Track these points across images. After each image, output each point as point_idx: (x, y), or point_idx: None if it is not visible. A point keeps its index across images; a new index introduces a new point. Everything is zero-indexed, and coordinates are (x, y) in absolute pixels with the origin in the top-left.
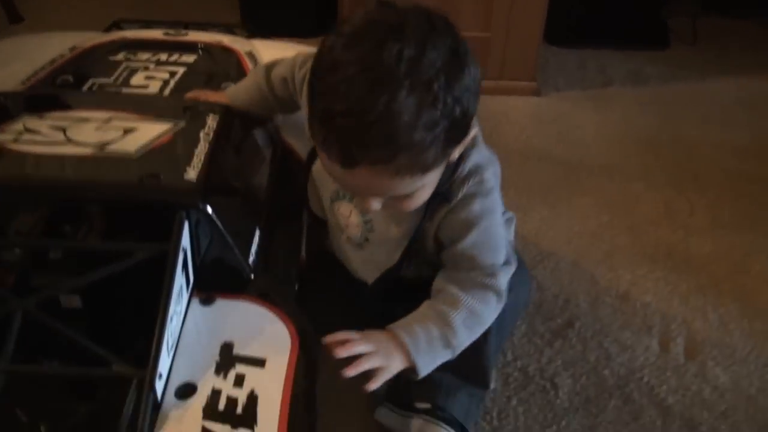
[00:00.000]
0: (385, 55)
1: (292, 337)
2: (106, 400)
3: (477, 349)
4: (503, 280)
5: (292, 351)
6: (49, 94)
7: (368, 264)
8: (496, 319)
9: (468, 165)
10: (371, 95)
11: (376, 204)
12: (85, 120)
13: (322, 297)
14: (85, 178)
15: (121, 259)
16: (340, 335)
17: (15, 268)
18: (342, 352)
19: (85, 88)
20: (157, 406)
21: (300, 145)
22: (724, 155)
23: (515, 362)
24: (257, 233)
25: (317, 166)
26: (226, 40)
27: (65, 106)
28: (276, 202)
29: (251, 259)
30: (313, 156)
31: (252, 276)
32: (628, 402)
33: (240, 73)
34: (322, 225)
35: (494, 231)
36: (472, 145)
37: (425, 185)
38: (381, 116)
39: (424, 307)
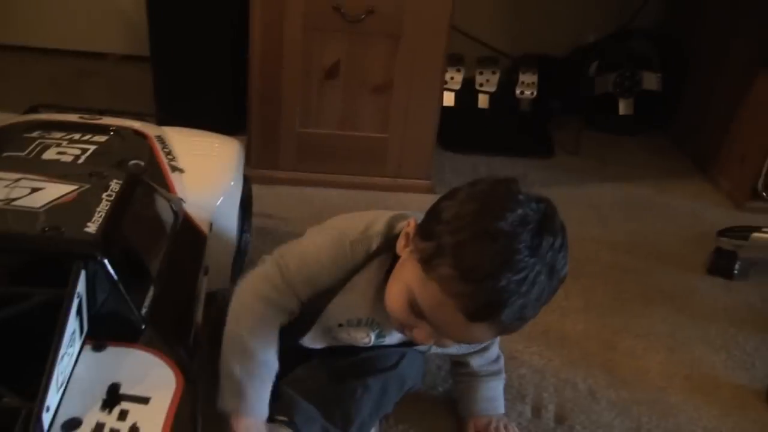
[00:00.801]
0: (542, 243)
1: (177, 379)
2: None
3: (349, 395)
4: None
5: (176, 391)
6: None
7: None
8: (381, 386)
9: None
10: (521, 274)
11: (431, 342)
12: None
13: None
14: None
15: (20, 302)
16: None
17: None
18: None
19: None
20: None
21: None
22: (600, 249)
23: (397, 426)
24: (151, 289)
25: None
26: (138, 124)
27: None
28: (174, 267)
29: (144, 310)
30: (321, 305)
31: (143, 327)
32: None
33: (149, 154)
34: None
35: None
36: None
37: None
38: (523, 293)
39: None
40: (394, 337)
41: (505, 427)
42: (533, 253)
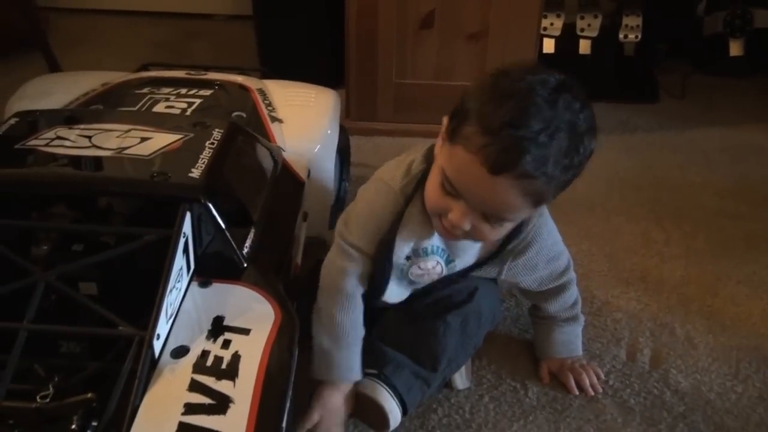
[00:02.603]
0: (559, 99)
1: (275, 313)
2: (114, 360)
3: (431, 334)
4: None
5: (274, 323)
6: (80, 112)
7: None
8: (461, 321)
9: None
10: (540, 125)
11: (468, 223)
12: (109, 131)
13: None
14: (104, 174)
15: (133, 242)
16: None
17: (43, 254)
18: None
19: None
20: (154, 362)
21: (300, 165)
22: (703, 194)
23: (489, 366)
24: (252, 230)
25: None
26: (241, 78)
27: (93, 121)
28: (273, 211)
29: (245, 251)
30: (389, 249)
31: (245, 265)
32: (592, 401)
33: (251, 106)
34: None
35: (556, 243)
36: None
37: (514, 222)
38: (544, 143)
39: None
40: (464, 260)
41: (580, 366)
42: (551, 106)
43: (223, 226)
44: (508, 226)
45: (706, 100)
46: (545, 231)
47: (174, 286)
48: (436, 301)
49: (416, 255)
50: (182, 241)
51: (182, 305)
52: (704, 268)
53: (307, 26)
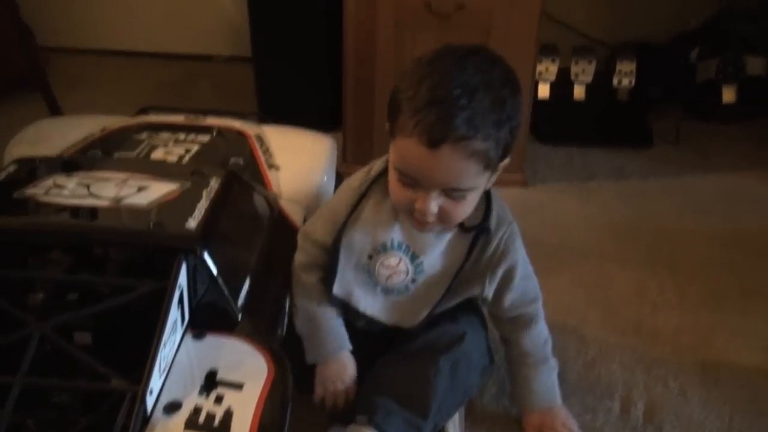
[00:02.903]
0: (467, 64)
1: (269, 367)
2: (106, 415)
3: (421, 377)
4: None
5: (267, 378)
6: (78, 159)
7: (412, 306)
8: (451, 365)
9: (496, 206)
10: (457, 90)
11: (434, 205)
12: (107, 179)
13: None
14: (101, 224)
15: (127, 293)
16: None
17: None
18: None
19: None
20: (146, 418)
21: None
22: (698, 242)
23: (483, 416)
24: (247, 281)
25: (347, 239)
26: (238, 124)
27: (91, 169)
28: (268, 259)
29: (240, 302)
30: (340, 237)
31: (240, 317)
32: None
33: (248, 153)
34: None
35: (527, 262)
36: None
37: (474, 191)
38: (465, 105)
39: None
40: (431, 258)
41: (561, 425)
42: (461, 72)
43: (218, 277)
44: (471, 199)
45: (700, 146)
46: (517, 242)
47: (168, 340)
48: (426, 344)
49: (377, 252)
50: (177, 293)
51: (176, 357)
52: (698, 319)
53: (305, 69)
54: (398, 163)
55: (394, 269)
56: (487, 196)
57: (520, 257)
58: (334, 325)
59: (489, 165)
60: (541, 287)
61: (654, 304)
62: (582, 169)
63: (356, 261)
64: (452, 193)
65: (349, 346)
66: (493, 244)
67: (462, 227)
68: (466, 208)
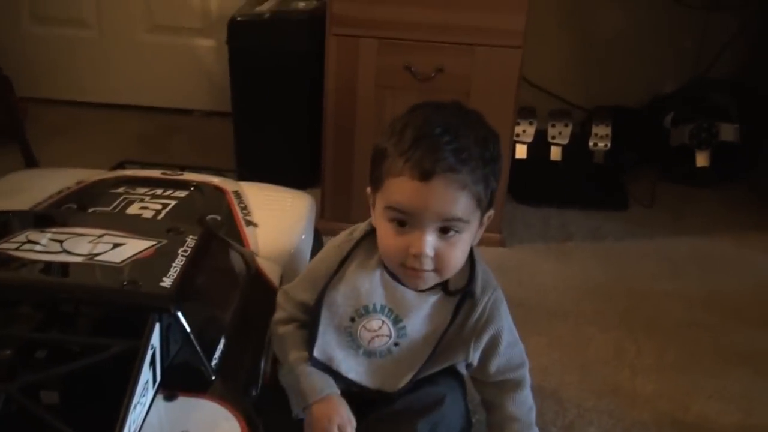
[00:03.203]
0: (445, 110)
1: (241, 430)
2: None
3: None
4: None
5: None
6: (52, 213)
7: (386, 370)
8: (430, 428)
9: (480, 270)
10: (440, 129)
11: (429, 245)
12: (81, 235)
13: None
14: (73, 281)
15: (99, 353)
16: None
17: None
18: None
19: None
20: None
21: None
22: (674, 304)
23: None
24: (222, 341)
25: (329, 300)
26: (216, 180)
27: (65, 224)
28: (244, 318)
29: (214, 362)
30: (322, 297)
31: (213, 378)
32: None
33: (226, 209)
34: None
35: (513, 329)
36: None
37: (467, 232)
38: (451, 140)
39: None
40: (414, 323)
41: None
42: (442, 116)
43: (192, 337)
44: (464, 243)
45: (675, 208)
46: (503, 308)
47: (138, 402)
48: (404, 407)
49: (359, 315)
50: (150, 353)
51: (146, 419)
52: (676, 382)
53: (284, 126)
54: (390, 201)
55: (376, 332)
56: (471, 260)
57: (505, 323)
58: (318, 371)
59: (480, 203)
60: None
61: (632, 366)
62: (559, 230)
63: (338, 323)
64: (447, 229)
65: (337, 390)
66: (479, 309)
67: (446, 291)
68: (459, 254)
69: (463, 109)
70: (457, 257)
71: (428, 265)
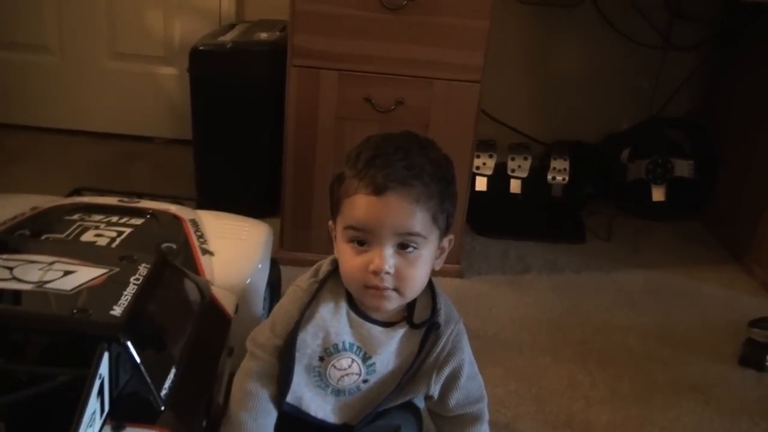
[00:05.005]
0: (398, 136)
1: None
2: None
3: None
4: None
5: None
6: (4, 239)
7: (354, 407)
8: None
9: (442, 303)
10: (392, 149)
11: (389, 261)
12: (32, 262)
13: None
14: (21, 309)
15: (45, 382)
16: None
17: None
18: None
19: None
20: None
21: (228, 300)
22: (628, 337)
23: None
24: (173, 371)
25: (300, 341)
26: (174, 208)
27: (17, 251)
28: (197, 348)
29: (164, 393)
30: (292, 339)
31: (162, 409)
32: None
33: (182, 237)
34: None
35: (473, 362)
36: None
37: (425, 248)
38: (403, 158)
39: None
40: (383, 359)
41: None
42: (393, 139)
43: (141, 367)
44: (423, 262)
45: (631, 242)
46: (464, 340)
47: None
48: None
49: (329, 354)
50: (98, 383)
51: None
52: (629, 413)
53: (244, 154)
54: (348, 220)
55: (345, 371)
56: (432, 292)
57: (466, 356)
58: None
59: (435, 220)
60: None
61: (586, 398)
62: (517, 262)
63: (307, 363)
64: (405, 245)
65: None
66: (441, 341)
67: (411, 324)
68: (419, 272)
69: (417, 135)
70: (417, 275)
71: (389, 282)
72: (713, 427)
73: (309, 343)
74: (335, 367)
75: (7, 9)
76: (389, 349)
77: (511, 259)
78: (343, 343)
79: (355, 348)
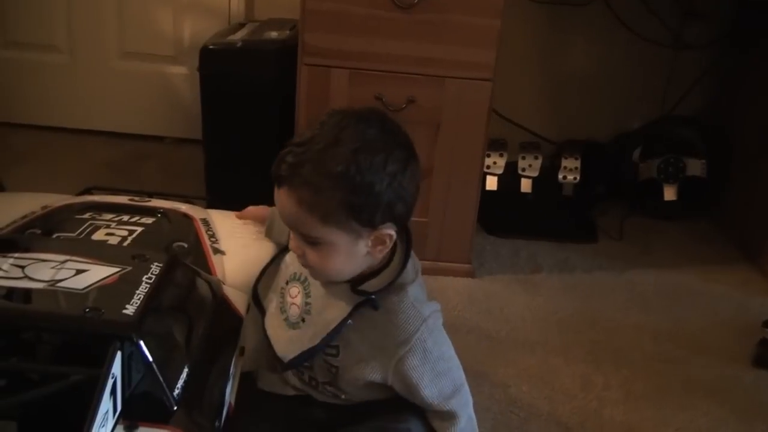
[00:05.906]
0: (331, 119)
1: None
2: None
3: None
4: (463, 400)
5: None
6: (15, 238)
7: (294, 343)
8: None
9: (407, 299)
10: (300, 138)
11: (297, 247)
12: (44, 260)
13: None
14: (33, 308)
15: (58, 381)
16: None
17: None
18: None
19: None
20: None
21: (240, 300)
22: (642, 337)
23: None
24: (185, 370)
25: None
26: (184, 207)
27: (28, 249)
28: (209, 347)
29: (176, 392)
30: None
31: (175, 408)
32: None
33: (193, 237)
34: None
35: (443, 357)
36: (412, 279)
37: (331, 246)
38: (300, 153)
39: None
40: (319, 303)
41: None
42: (320, 128)
43: (154, 366)
44: (333, 257)
45: (643, 241)
46: (430, 341)
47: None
48: None
49: (291, 279)
50: (110, 382)
51: None
52: (643, 415)
53: (255, 154)
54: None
55: (293, 300)
56: (398, 274)
57: (431, 356)
58: None
59: (328, 218)
60: (487, 380)
61: (600, 398)
62: (528, 262)
63: (279, 282)
64: (306, 238)
65: None
66: (401, 336)
67: (352, 287)
68: (331, 264)
69: (351, 118)
70: (330, 266)
71: (305, 261)
72: (728, 429)
73: (288, 262)
74: (289, 294)
75: (17, 9)
76: (326, 295)
77: (522, 259)
78: (299, 273)
79: (302, 278)
